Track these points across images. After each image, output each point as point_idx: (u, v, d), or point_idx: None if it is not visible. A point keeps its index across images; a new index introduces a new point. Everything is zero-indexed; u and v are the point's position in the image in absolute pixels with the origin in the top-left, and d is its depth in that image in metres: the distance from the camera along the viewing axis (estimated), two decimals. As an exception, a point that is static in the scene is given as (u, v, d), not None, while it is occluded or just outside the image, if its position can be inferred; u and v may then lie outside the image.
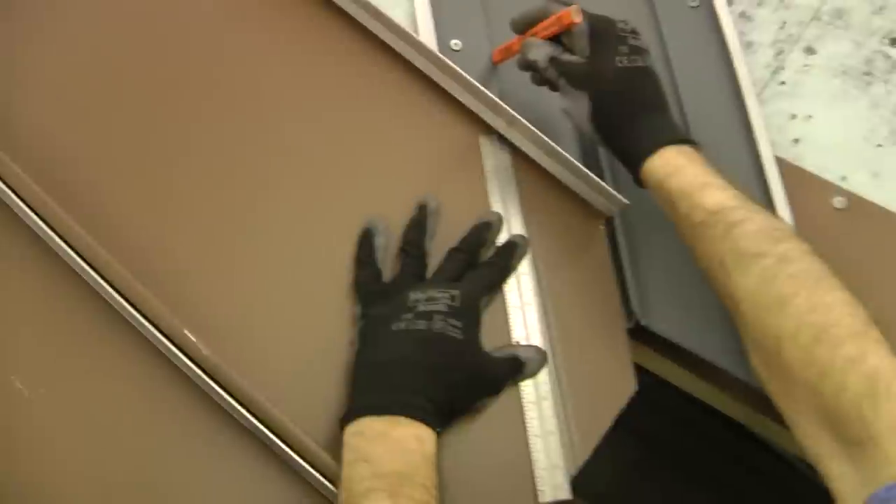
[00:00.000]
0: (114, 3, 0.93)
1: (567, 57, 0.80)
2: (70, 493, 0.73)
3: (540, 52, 0.81)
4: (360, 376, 0.72)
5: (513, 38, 0.86)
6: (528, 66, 0.84)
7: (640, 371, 0.82)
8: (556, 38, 0.82)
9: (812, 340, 0.63)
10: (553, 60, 0.80)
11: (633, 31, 0.80)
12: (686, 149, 0.75)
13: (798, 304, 0.65)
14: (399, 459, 0.65)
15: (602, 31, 0.78)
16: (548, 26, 0.81)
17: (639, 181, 0.77)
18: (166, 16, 0.94)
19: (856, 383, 0.60)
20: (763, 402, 0.81)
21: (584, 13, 0.79)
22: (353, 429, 0.68)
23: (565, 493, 0.73)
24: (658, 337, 0.83)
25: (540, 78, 0.84)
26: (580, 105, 0.79)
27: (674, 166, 0.74)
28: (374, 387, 0.71)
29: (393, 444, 0.66)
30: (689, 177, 0.73)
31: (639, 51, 0.79)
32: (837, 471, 0.61)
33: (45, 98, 0.88)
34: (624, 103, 0.77)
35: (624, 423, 0.77)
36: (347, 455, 0.67)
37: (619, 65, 0.77)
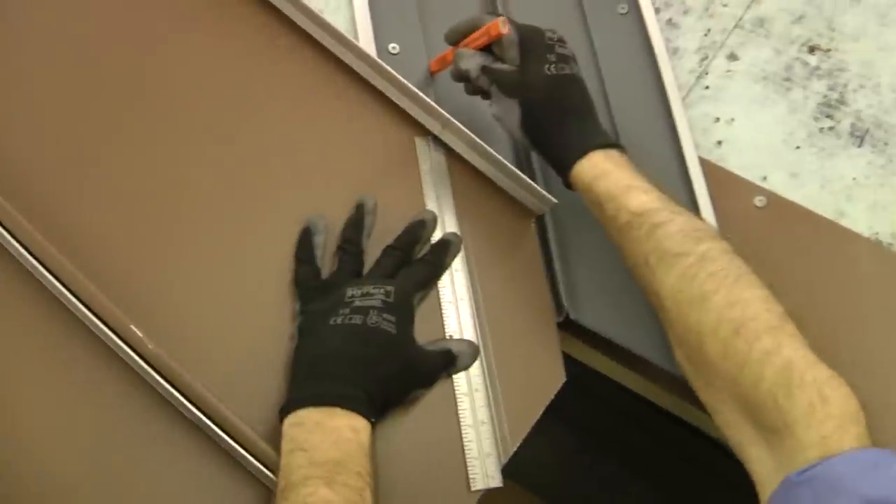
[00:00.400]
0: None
1: (498, 66, 0.81)
2: (12, 478, 0.74)
3: (471, 62, 0.83)
4: (298, 369, 0.74)
5: (448, 49, 0.88)
6: (460, 76, 0.85)
7: (575, 363, 0.85)
8: (487, 49, 0.84)
9: (731, 334, 0.67)
10: (484, 69, 0.82)
11: (561, 40, 0.82)
12: (612, 153, 0.78)
13: (717, 300, 0.68)
14: (335, 448, 0.67)
15: (530, 41, 0.80)
16: (478, 37, 0.83)
17: (568, 184, 0.80)
18: (113, 24, 0.94)
19: (772, 374, 0.64)
20: (687, 392, 0.85)
21: (512, 24, 0.81)
22: (291, 419, 0.70)
23: (496, 482, 0.75)
24: (587, 330, 0.86)
25: (472, 88, 0.86)
26: (511, 112, 0.81)
27: (601, 170, 0.77)
28: (311, 379, 0.73)
29: (329, 434, 0.68)
30: (615, 180, 0.76)
31: (566, 59, 0.81)
32: (756, 455, 0.65)
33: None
34: (553, 110, 0.80)
35: (561, 414, 0.79)
36: (285, 445, 0.69)
37: (548, 73, 0.79)
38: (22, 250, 0.77)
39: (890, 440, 0.76)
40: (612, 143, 0.79)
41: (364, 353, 0.73)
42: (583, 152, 0.77)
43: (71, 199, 0.83)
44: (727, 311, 0.68)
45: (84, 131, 0.87)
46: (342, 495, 0.64)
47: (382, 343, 0.74)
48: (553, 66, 0.80)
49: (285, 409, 0.71)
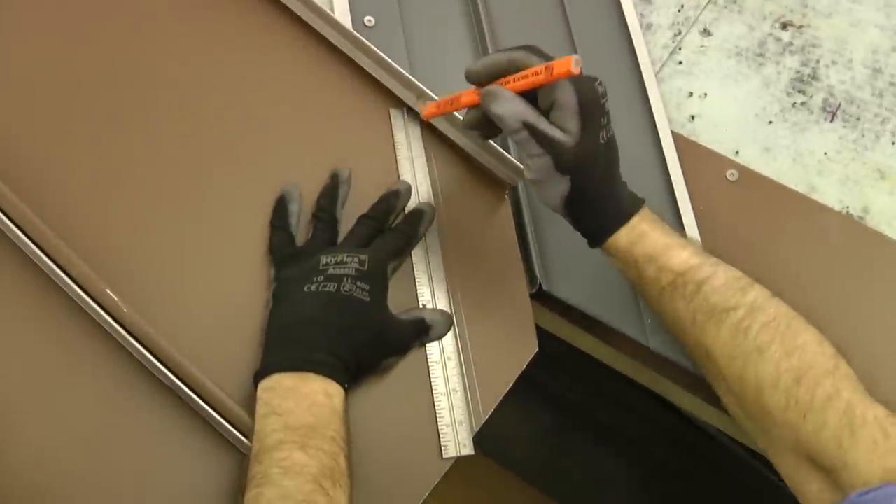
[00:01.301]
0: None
1: (553, 132, 0.68)
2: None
3: (510, 108, 0.68)
4: (273, 335, 0.74)
5: (447, 96, 0.77)
6: (485, 122, 0.73)
7: (549, 337, 0.85)
8: (527, 93, 0.69)
9: (792, 384, 0.67)
10: (530, 129, 0.68)
11: (605, 93, 0.70)
12: (645, 213, 0.75)
13: (774, 351, 0.68)
14: (308, 413, 0.67)
15: (588, 103, 0.68)
16: (526, 78, 0.68)
17: (595, 245, 0.76)
18: None
19: (835, 419, 0.65)
20: (657, 363, 0.86)
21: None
22: (265, 384, 0.70)
23: (468, 449, 0.76)
24: (560, 301, 0.86)
25: (486, 131, 0.76)
26: (556, 186, 0.71)
27: (637, 234, 0.74)
28: (285, 344, 0.73)
29: (303, 399, 0.68)
30: (653, 241, 0.74)
31: (609, 115, 0.71)
32: (814, 491, 0.66)
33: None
34: (602, 182, 0.72)
35: (536, 390, 0.79)
36: (259, 409, 0.69)
37: (602, 140, 0.70)
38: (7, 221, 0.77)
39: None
40: (642, 201, 0.75)
41: (338, 320, 0.73)
42: (623, 220, 0.74)
43: (50, 166, 0.83)
44: (785, 361, 0.68)
45: (62, 102, 0.86)
46: (317, 459, 0.65)
47: (356, 311, 0.74)
48: (605, 130, 0.70)
49: (259, 374, 0.71)
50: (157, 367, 0.73)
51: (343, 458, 0.67)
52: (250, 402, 0.72)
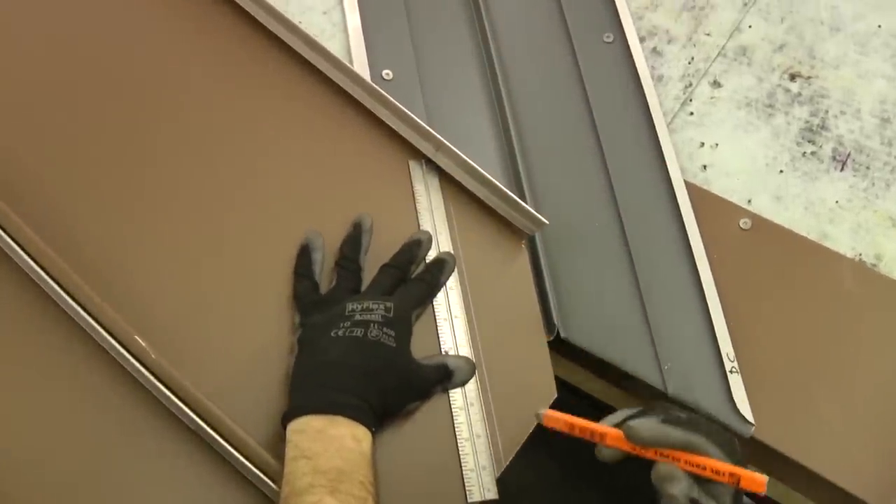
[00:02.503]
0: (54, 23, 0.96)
1: None
2: (14, 485, 0.74)
3: (683, 488, 0.64)
4: (300, 377, 0.75)
5: (588, 422, 0.71)
6: (622, 460, 0.69)
7: (562, 388, 0.85)
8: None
9: None
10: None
11: None
12: None
13: None
14: (338, 456, 0.67)
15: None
16: (703, 467, 0.64)
17: None
18: (128, 48, 0.96)
19: None
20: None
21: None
22: (294, 426, 0.70)
23: (492, 494, 0.75)
24: (577, 349, 0.87)
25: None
26: None
27: None
28: (313, 387, 0.73)
29: (332, 442, 0.68)
30: None
31: None
32: None
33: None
34: None
35: (545, 441, 0.78)
36: (289, 452, 0.69)
37: None
38: (30, 261, 0.79)
39: (870, 451, 0.78)
40: None
41: (366, 364, 0.73)
42: None
43: (80, 214, 0.85)
44: None
45: (98, 153, 0.88)
46: None
47: (383, 355, 0.74)
48: None
49: (288, 416, 0.71)
50: (182, 409, 0.74)
51: (372, 503, 0.66)
52: (274, 445, 0.72)
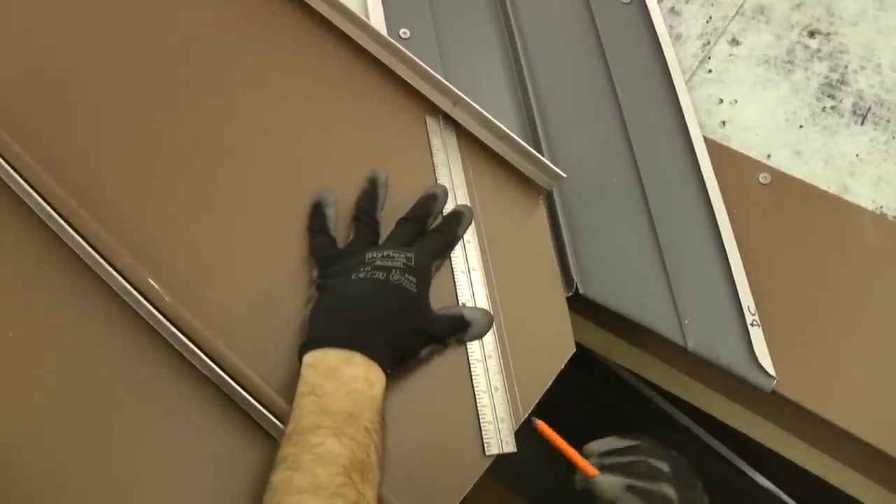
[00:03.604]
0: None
1: None
2: (37, 430, 0.72)
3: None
4: (321, 312, 0.71)
5: (578, 455, 0.76)
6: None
7: (580, 357, 0.82)
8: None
9: None
10: None
11: None
12: None
13: None
14: (347, 399, 0.64)
15: None
16: None
17: None
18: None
19: None
20: (689, 368, 0.82)
21: None
22: (309, 360, 0.67)
23: (511, 447, 0.72)
24: (596, 305, 0.83)
25: None
26: None
27: None
28: (334, 320, 0.70)
29: (343, 383, 0.65)
30: None
31: None
32: None
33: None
34: None
35: (548, 420, 0.76)
36: (300, 387, 0.66)
37: None
38: (44, 204, 0.77)
39: (893, 403, 0.75)
40: None
41: (387, 303, 0.70)
42: None
43: (102, 165, 0.82)
44: None
45: (119, 111, 0.86)
46: (349, 450, 0.62)
47: (404, 298, 0.71)
48: None
49: (306, 346, 0.68)
50: (194, 351, 0.72)
51: (374, 452, 0.64)
52: (285, 391, 0.70)
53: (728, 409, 0.89)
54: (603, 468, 0.73)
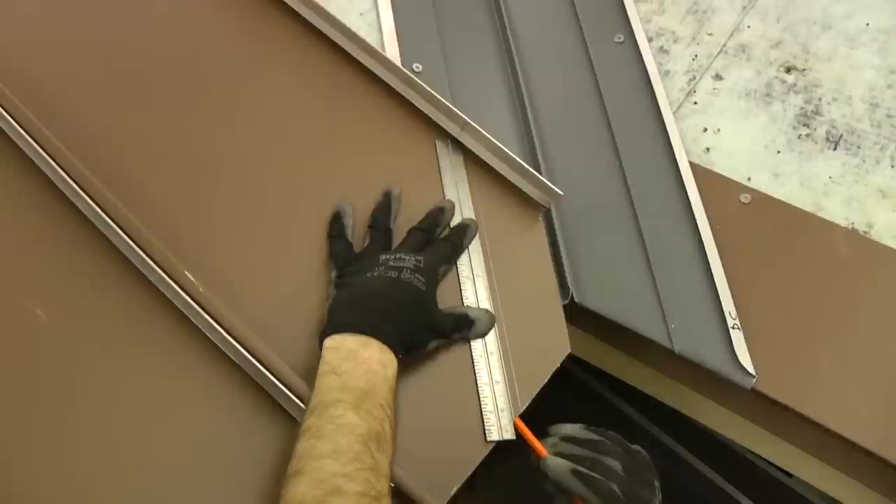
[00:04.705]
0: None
1: None
2: (78, 406, 0.76)
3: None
4: (339, 304, 0.75)
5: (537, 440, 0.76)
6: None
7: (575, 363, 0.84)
8: None
9: None
10: None
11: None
12: None
13: None
14: (363, 378, 0.68)
15: None
16: None
17: None
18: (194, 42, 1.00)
19: None
20: (681, 375, 0.85)
21: None
22: (329, 343, 0.71)
23: (510, 434, 0.75)
24: (588, 314, 0.87)
25: None
26: None
27: None
28: (352, 310, 0.74)
29: (360, 364, 0.69)
30: None
31: None
32: None
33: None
34: None
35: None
36: (322, 367, 0.70)
37: None
38: (91, 203, 0.82)
39: (863, 399, 0.78)
40: None
41: (399, 297, 0.74)
42: None
43: (150, 174, 0.88)
44: None
45: (166, 129, 0.92)
46: (366, 422, 0.65)
47: (414, 294, 0.75)
48: None
49: (326, 332, 0.72)
50: (225, 338, 0.75)
51: (388, 426, 0.67)
52: (306, 376, 0.73)
53: (713, 412, 0.92)
54: (557, 453, 0.73)
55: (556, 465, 0.71)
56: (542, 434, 0.75)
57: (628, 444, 0.74)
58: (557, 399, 0.82)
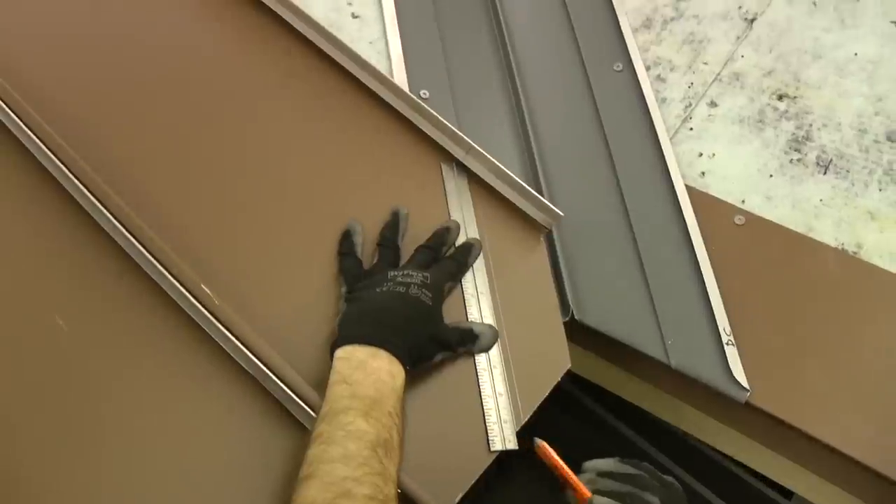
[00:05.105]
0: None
1: None
2: (97, 411, 0.79)
3: None
4: (349, 317, 0.78)
5: (573, 474, 0.73)
6: None
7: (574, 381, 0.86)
8: None
9: None
10: None
11: None
12: None
13: None
14: (373, 387, 0.70)
15: None
16: None
17: None
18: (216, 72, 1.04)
19: None
20: (677, 383, 0.87)
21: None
22: (339, 353, 0.74)
23: (513, 444, 0.77)
24: (588, 331, 0.88)
25: None
26: None
27: None
28: (361, 322, 0.76)
29: (369, 374, 0.71)
30: None
31: None
32: None
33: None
34: None
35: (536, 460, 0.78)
36: (332, 377, 0.72)
37: None
38: (111, 217, 0.85)
39: (853, 411, 0.79)
40: None
41: (406, 311, 0.77)
42: None
43: (168, 193, 0.92)
44: None
45: (189, 151, 0.96)
46: (375, 428, 0.67)
47: (421, 308, 0.78)
48: None
49: (337, 343, 0.74)
50: (239, 348, 0.78)
51: (396, 433, 0.69)
52: (316, 386, 0.76)
53: (708, 426, 0.93)
54: (597, 491, 0.70)
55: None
56: (573, 468, 0.73)
57: (663, 477, 0.72)
58: (557, 421, 0.84)
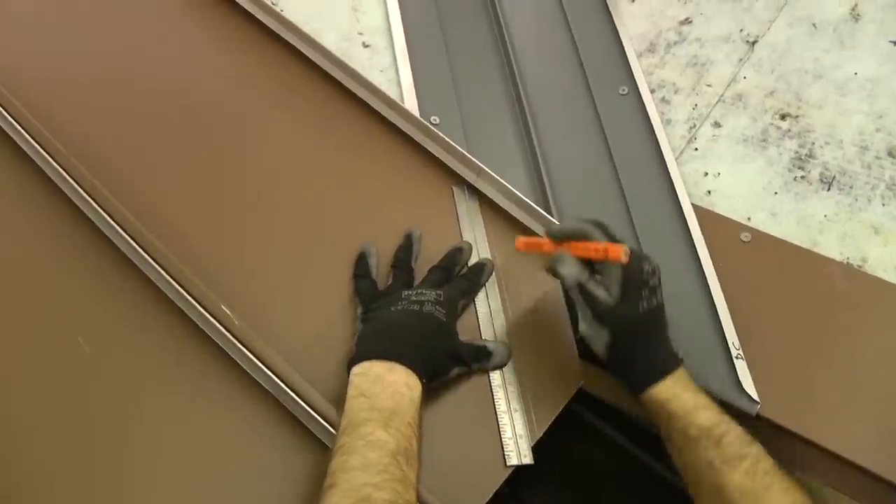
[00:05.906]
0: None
1: (597, 291, 0.76)
2: (121, 429, 0.80)
3: (570, 271, 0.77)
4: (366, 335, 0.78)
5: (544, 238, 0.81)
6: (554, 275, 0.79)
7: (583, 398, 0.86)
8: (588, 261, 0.78)
9: None
10: (581, 288, 0.77)
11: (654, 271, 0.78)
12: (679, 375, 0.76)
13: (776, 489, 0.70)
14: (391, 399, 0.71)
15: (632, 279, 0.75)
16: (588, 250, 0.76)
17: (633, 391, 0.78)
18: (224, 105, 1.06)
19: None
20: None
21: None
22: (357, 369, 0.74)
23: (529, 459, 0.77)
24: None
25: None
26: (599, 336, 0.77)
27: (672, 393, 0.76)
28: (377, 340, 0.77)
29: (387, 386, 0.72)
30: (683, 402, 0.75)
31: (655, 290, 0.77)
32: None
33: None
34: (639, 341, 0.77)
35: (561, 474, 0.78)
36: (351, 391, 0.72)
37: (641, 309, 0.76)
38: (135, 245, 0.86)
39: (862, 421, 0.79)
40: (678, 363, 0.77)
41: (421, 327, 0.77)
42: (656, 379, 0.75)
43: (190, 218, 0.94)
44: (785, 497, 0.70)
45: (207, 176, 0.98)
46: (395, 438, 0.68)
47: (435, 324, 0.78)
48: (647, 301, 0.76)
49: (354, 360, 0.75)
50: (258, 367, 0.79)
51: (415, 442, 0.70)
52: (335, 403, 0.77)
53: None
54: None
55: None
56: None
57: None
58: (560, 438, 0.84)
